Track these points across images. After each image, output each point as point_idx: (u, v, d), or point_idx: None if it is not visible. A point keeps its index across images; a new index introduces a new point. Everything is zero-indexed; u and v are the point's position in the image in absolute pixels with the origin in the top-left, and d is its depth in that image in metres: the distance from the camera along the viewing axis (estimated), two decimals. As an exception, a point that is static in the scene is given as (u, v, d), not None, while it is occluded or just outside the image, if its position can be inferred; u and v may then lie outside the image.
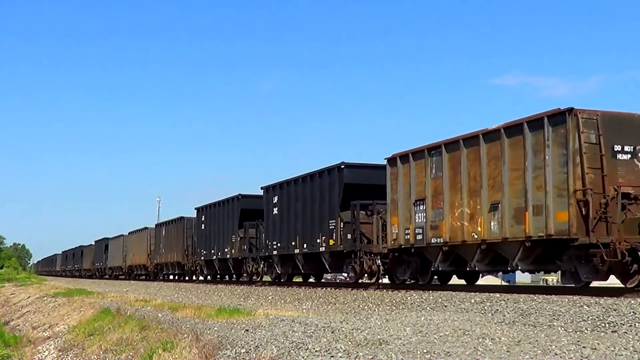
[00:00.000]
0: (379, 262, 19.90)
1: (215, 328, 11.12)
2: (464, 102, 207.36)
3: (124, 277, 54.74)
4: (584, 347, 7.47)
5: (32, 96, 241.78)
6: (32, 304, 35.25)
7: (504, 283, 53.82)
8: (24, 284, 61.28)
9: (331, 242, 21.64)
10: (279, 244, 25.39)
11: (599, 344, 7.67)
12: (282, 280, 26.19)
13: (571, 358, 6.87)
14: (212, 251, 32.66)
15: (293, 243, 24.13)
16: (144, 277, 49.27)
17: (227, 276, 35.34)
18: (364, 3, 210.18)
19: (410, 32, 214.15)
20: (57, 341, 19.58)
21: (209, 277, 36.21)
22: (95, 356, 14.60)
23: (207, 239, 33.71)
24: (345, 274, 22.43)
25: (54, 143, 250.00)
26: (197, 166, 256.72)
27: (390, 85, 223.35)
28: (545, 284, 43.54)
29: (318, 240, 22.34)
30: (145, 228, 47.90)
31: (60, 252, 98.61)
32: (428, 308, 13.33)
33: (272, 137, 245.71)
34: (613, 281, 14.18)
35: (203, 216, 34.66)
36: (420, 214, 17.73)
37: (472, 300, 13.37)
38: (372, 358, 7.30)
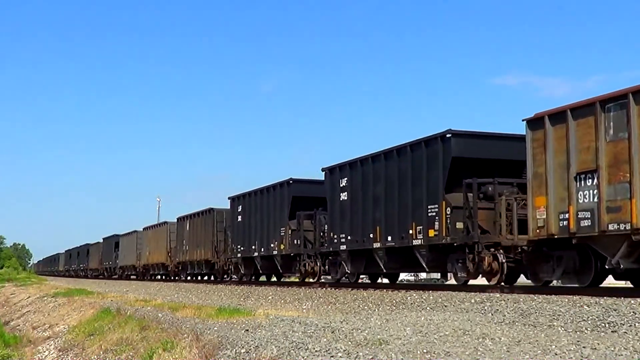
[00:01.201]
0: (502, 258, 15.89)
1: (215, 328, 11.12)
2: (464, 101, 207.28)
3: (136, 277, 51.30)
4: (584, 347, 7.47)
5: (32, 95, 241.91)
6: (32, 304, 35.24)
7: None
8: (24, 284, 61.23)
9: (431, 233, 17.27)
10: (349, 237, 20.84)
11: (599, 344, 7.67)
12: (350, 280, 21.82)
13: (571, 358, 6.87)
14: (253, 247, 28.00)
15: (371, 236, 19.64)
16: (162, 277, 45.80)
17: (272, 276, 31.54)
18: (364, 3, 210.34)
19: (411, 31, 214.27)
20: (57, 341, 19.59)
21: (245, 277, 30.66)
22: (96, 356, 14.60)
23: (246, 232, 28.97)
24: (454, 273, 17.58)
25: (54, 143, 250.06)
26: (196, 166, 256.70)
27: (390, 84, 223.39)
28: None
29: (410, 232, 17.99)
30: (165, 222, 43.80)
31: (64, 251, 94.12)
32: (428, 308, 13.34)
33: (272, 136, 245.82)
34: (610, 281, 14.12)
35: (240, 206, 29.88)
36: (587, 192, 13.45)
37: (472, 300, 13.38)
38: (372, 358, 7.31)
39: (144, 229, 49.16)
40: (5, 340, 23.56)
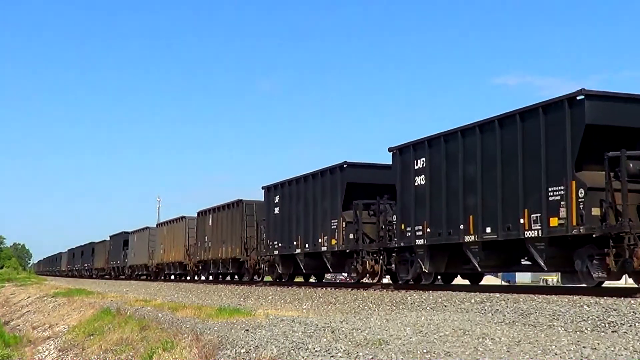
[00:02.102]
0: None
1: (216, 328, 11.12)
2: (464, 101, 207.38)
3: (148, 277, 47.57)
4: (584, 347, 7.46)
5: (32, 96, 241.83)
6: (32, 304, 35.24)
7: (504, 283, 53.93)
8: (24, 284, 61.23)
9: (554, 222, 13.94)
10: (428, 230, 17.38)
11: (599, 344, 7.66)
12: (427, 281, 18.44)
13: (571, 358, 6.87)
14: (294, 243, 24.08)
15: (461, 227, 16.20)
16: (179, 278, 42.45)
17: (318, 276, 27.77)
18: (364, 3, 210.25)
19: (411, 31, 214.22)
20: (57, 341, 19.58)
21: (283, 277, 26.61)
22: (95, 356, 14.60)
23: (285, 227, 25.00)
24: (584, 273, 14.02)
25: (54, 143, 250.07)
26: (196, 166, 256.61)
27: (390, 84, 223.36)
28: (545, 284, 43.59)
29: (522, 221, 14.54)
30: (183, 217, 39.87)
31: (66, 250, 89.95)
32: (428, 308, 13.33)
33: (271, 136, 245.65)
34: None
35: (277, 197, 25.88)
36: None
37: (472, 300, 13.37)
38: (372, 358, 7.30)
39: (157, 224, 46.06)
40: (5, 340, 23.54)
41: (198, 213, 36.57)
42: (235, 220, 30.76)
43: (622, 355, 7.02)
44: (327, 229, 21.99)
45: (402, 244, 18.39)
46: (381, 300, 15.51)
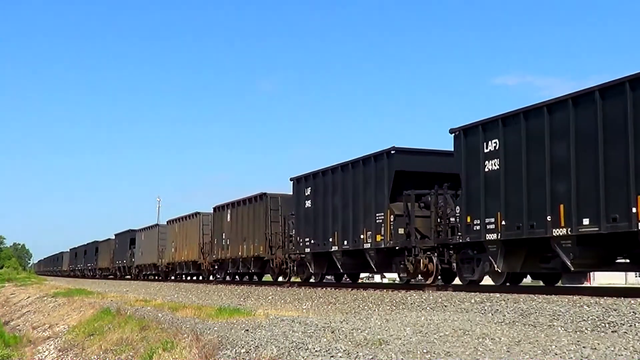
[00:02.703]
0: None
1: (215, 328, 11.13)
2: (464, 101, 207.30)
3: (157, 278, 45.14)
4: (584, 347, 7.47)
5: (32, 96, 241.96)
6: (32, 304, 35.26)
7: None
8: (24, 284, 61.26)
9: None
10: (503, 223, 14.88)
11: (599, 344, 7.67)
12: (497, 283, 17.29)
13: (571, 358, 6.87)
14: (330, 239, 21.39)
15: (549, 219, 13.76)
16: (193, 278, 39.98)
17: (352, 277, 25.07)
18: (364, 3, 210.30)
19: (411, 31, 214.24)
20: (57, 341, 19.59)
21: (314, 277, 24.29)
22: (95, 356, 14.61)
23: (318, 221, 22.36)
24: None
25: (54, 143, 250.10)
26: (196, 166, 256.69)
27: (390, 84, 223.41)
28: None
29: (634, 210, 12.15)
30: (197, 213, 37.01)
31: (68, 250, 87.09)
32: (428, 308, 13.33)
33: (272, 136, 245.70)
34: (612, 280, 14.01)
35: (308, 189, 23.28)
36: None
37: (472, 300, 13.37)
38: (372, 358, 7.30)
39: (168, 222, 42.59)
40: (5, 340, 23.55)
41: (214, 208, 33.76)
42: (258, 216, 27.98)
43: (622, 355, 7.02)
44: (370, 224, 19.40)
45: (468, 240, 16.05)
46: (381, 300, 15.51)
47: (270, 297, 19.71)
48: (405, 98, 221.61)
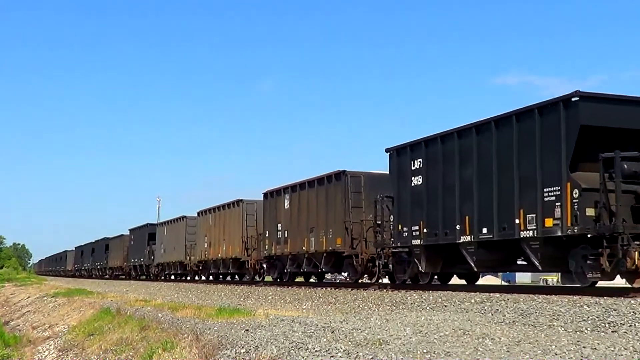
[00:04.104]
0: None
1: (215, 328, 11.12)
2: (464, 101, 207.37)
3: (184, 278, 40.23)
4: (584, 347, 7.46)
5: (32, 97, 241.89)
6: (32, 304, 35.26)
7: (504, 283, 53.94)
8: (24, 284, 61.26)
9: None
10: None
11: (599, 344, 7.66)
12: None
13: (571, 358, 6.87)
14: (458, 227, 16.31)
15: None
16: (236, 278, 34.31)
17: (466, 277, 19.40)
18: (364, 3, 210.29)
19: (411, 32, 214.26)
20: (57, 341, 19.59)
21: (421, 277, 18.68)
22: (95, 356, 14.61)
23: (435, 203, 17.16)
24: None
25: (53, 143, 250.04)
26: (196, 167, 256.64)
27: (391, 85, 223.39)
28: (545, 284, 43.61)
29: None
30: (240, 201, 31.21)
31: (73, 248, 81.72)
32: (428, 308, 13.33)
33: (272, 137, 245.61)
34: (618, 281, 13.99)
35: (417, 161, 18.03)
36: None
37: (472, 300, 13.36)
38: (372, 358, 7.30)
39: (199, 213, 37.03)
40: (5, 340, 23.55)
41: (265, 194, 28.28)
42: (330, 201, 22.89)
43: (622, 355, 7.02)
44: (533, 203, 14.42)
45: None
46: (381, 300, 15.51)
47: (270, 297, 19.71)
48: (406, 98, 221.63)
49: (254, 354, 8.54)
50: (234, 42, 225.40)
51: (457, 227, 16.17)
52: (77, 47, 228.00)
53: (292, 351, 8.11)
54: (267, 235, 27.69)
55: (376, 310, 13.85)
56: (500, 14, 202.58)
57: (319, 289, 20.93)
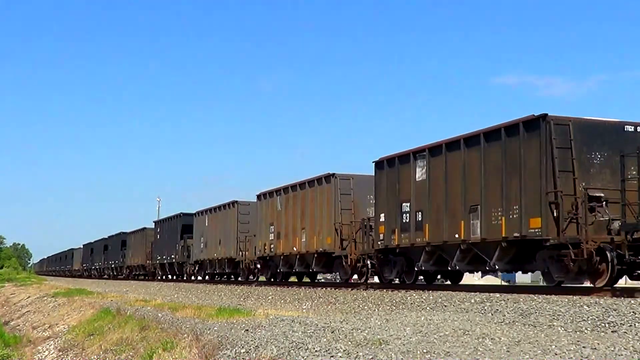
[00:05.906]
0: None
1: (215, 328, 11.12)
2: (464, 101, 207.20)
3: (236, 279, 32.68)
4: (584, 347, 7.47)
5: (32, 96, 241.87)
6: (32, 304, 35.27)
7: (504, 283, 53.93)
8: (24, 284, 61.27)
9: None
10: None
11: (599, 344, 7.67)
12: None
13: (571, 358, 6.87)
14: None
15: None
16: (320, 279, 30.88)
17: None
18: (364, 3, 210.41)
19: (411, 31, 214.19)
20: (57, 341, 19.60)
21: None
22: (95, 356, 14.61)
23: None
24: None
25: (54, 143, 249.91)
26: (196, 167, 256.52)
27: (391, 84, 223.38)
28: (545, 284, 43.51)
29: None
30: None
31: (81, 246, 73.60)
32: (428, 308, 13.33)
33: (272, 137, 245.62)
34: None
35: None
36: None
37: (472, 300, 13.37)
38: (372, 358, 7.30)
39: (258, 195, 28.86)
40: (5, 340, 23.57)
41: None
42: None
43: (622, 355, 7.02)
44: None
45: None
46: (381, 300, 15.51)
47: (270, 297, 19.71)
48: (406, 98, 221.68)
49: (254, 354, 8.54)
50: (233, 41, 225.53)
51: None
52: (76, 44, 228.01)
53: (292, 351, 8.11)
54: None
55: (376, 310, 13.85)
56: (500, 13, 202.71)
57: (319, 289, 20.94)
